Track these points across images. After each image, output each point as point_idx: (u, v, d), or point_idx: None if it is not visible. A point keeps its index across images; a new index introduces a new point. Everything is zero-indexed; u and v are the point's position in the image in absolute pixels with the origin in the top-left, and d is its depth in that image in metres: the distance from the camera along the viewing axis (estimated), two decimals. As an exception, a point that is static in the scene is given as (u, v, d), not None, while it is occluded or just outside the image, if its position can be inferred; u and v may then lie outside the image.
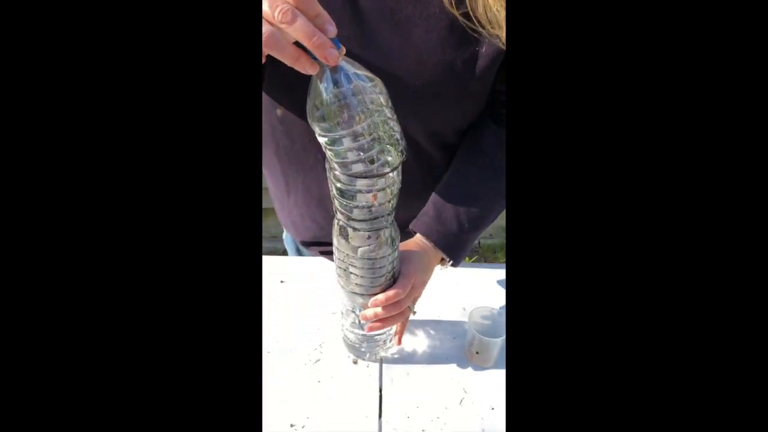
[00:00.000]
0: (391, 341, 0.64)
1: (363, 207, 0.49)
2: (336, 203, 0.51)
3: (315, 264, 0.78)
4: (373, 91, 0.45)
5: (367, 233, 0.52)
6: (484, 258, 1.54)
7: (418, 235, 0.63)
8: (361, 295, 0.56)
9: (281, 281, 0.75)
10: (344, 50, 0.42)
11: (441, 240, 0.62)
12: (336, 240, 0.54)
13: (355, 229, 0.52)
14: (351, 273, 0.55)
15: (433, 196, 0.63)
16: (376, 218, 0.51)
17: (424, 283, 0.61)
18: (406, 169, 0.49)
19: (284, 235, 0.87)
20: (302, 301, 0.72)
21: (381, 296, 0.56)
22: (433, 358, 0.66)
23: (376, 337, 0.62)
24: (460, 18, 0.53)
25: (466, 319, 0.69)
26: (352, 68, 0.44)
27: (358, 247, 0.52)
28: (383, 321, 0.58)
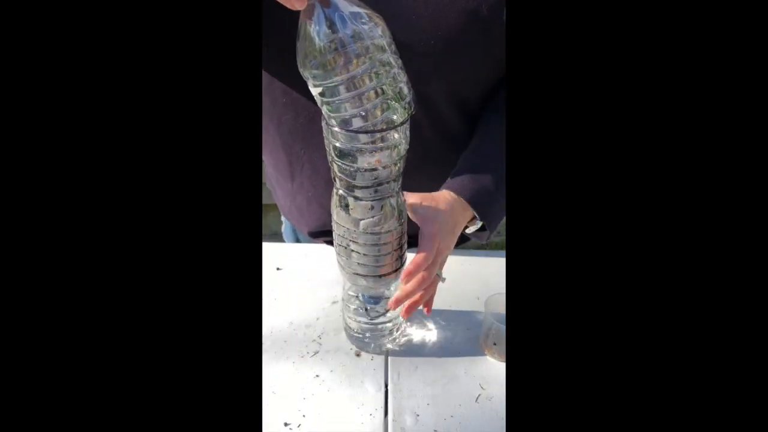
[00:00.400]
0: (398, 330, 0.58)
1: (365, 170, 0.43)
2: (335, 168, 0.44)
3: (314, 250, 0.72)
4: (373, 33, 0.38)
5: (370, 203, 0.45)
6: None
7: (446, 192, 0.55)
8: (364, 276, 0.50)
9: (277, 268, 0.69)
10: None
11: (475, 196, 0.54)
12: (335, 212, 0.48)
13: (356, 198, 0.45)
14: (352, 251, 0.49)
15: (466, 154, 0.57)
16: (380, 185, 0.44)
17: (449, 248, 0.53)
18: (423, 140, 0.43)
19: (283, 228, 0.81)
20: (300, 289, 0.66)
21: (409, 265, 0.50)
22: (445, 350, 0.59)
23: (381, 325, 0.55)
24: None
25: (481, 309, 0.63)
26: (348, 5, 0.38)
27: (360, 219, 0.46)
28: (415, 299, 0.52)
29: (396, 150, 0.42)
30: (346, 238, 0.48)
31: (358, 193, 0.45)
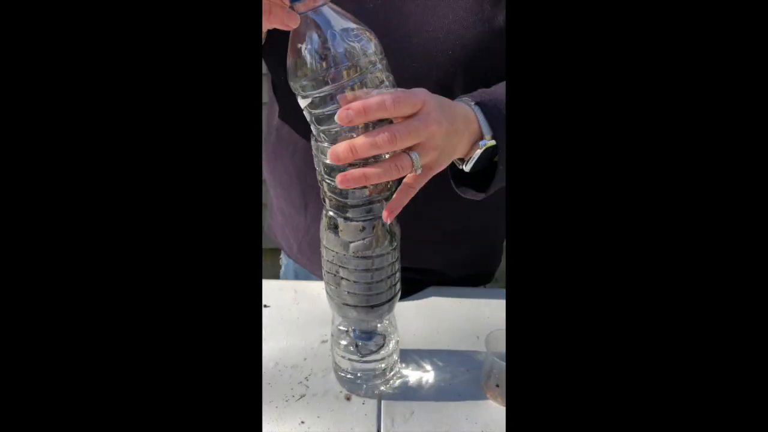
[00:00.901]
0: (392, 370, 0.53)
1: (357, 188, 0.40)
2: (324, 187, 0.42)
3: (304, 287, 0.68)
4: (366, 49, 0.37)
5: (361, 224, 0.42)
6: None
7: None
8: (355, 307, 0.46)
9: (265, 305, 0.65)
10: None
11: (485, 96, 0.45)
12: (324, 236, 0.45)
13: (347, 219, 0.42)
14: (342, 279, 0.45)
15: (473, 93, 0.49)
16: (372, 203, 0.42)
17: (438, 123, 0.39)
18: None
19: (282, 272, 0.78)
20: (288, 327, 0.61)
21: (357, 103, 0.36)
22: (443, 393, 0.54)
23: (373, 364, 0.51)
24: None
25: (480, 349, 0.58)
26: (340, 21, 0.37)
27: (350, 242, 0.43)
28: (365, 167, 0.38)
29: None
30: (336, 264, 0.45)
31: (349, 213, 0.42)
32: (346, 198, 0.41)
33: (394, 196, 0.41)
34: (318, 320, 0.62)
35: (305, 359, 0.57)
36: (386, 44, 0.40)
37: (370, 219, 0.42)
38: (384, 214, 0.41)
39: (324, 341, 0.59)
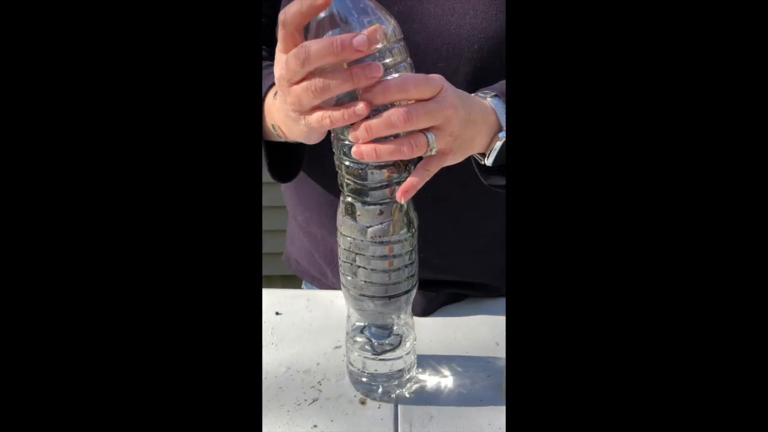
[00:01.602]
0: (409, 372, 0.50)
1: (375, 168, 0.40)
2: (343, 169, 0.41)
3: (317, 296, 0.66)
4: (385, 30, 0.38)
5: (379, 208, 0.41)
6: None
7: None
8: (372, 297, 0.44)
9: (277, 313, 0.63)
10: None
11: (502, 88, 0.45)
12: (341, 222, 0.44)
13: (364, 203, 0.42)
14: (359, 267, 0.44)
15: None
16: (389, 186, 0.41)
17: (455, 107, 0.39)
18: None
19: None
20: (300, 334, 0.59)
21: (378, 84, 0.36)
22: (464, 398, 0.51)
23: (389, 361, 0.48)
24: None
25: (501, 355, 0.56)
26: (358, 1, 0.37)
27: (368, 226, 0.42)
28: (378, 142, 0.37)
29: None
30: (353, 252, 0.43)
31: (367, 197, 0.41)
32: (365, 180, 0.41)
33: (408, 177, 0.40)
34: (331, 326, 0.60)
35: (318, 364, 0.55)
36: (410, 49, 0.40)
37: (388, 203, 0.41)
38: (398, 194, 0.40)
39: (337, 347, 0.57)
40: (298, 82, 0.37)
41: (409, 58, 0.40)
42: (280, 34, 0.37)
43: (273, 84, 0.47)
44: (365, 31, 0.36)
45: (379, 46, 0.37)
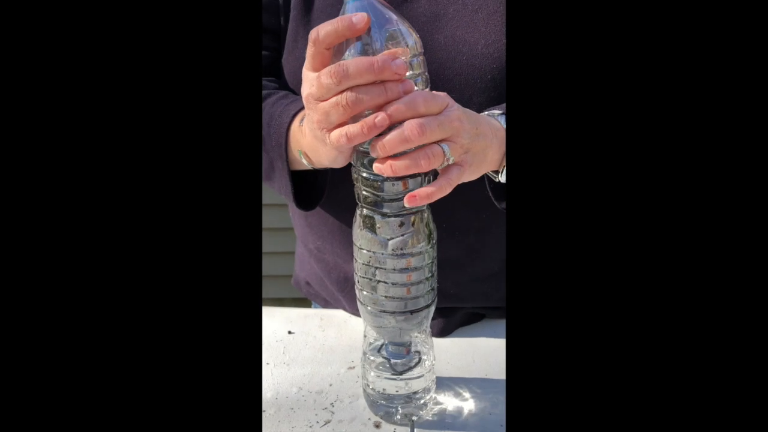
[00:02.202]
0: (428, 393, 0.48)
1: (394, 179, 0.39)
2: (360, 181, 0.41)
3: (330, 315, 0.64)
4: (408, 41, 0.38)
5: (400, 219, 0.40)
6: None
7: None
8: (393, 313, 0.43)
9: (289, 332, 0.61)
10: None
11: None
12: (358, 236, 0.42)
13: (384, 216, 0.40)
14: (379, 281, 0.42)
15: None
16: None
17: (460, 120, 0.39)
18: (461, 187, 0.39)
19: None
20: (313, 353, 0.57)
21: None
22: (486, 423, 0.49)
23: (409, 382, 0.46)
24: None
25: (523, 378, 0.54)
26: (383, 12, 0.38)
27: (389, 239, 0.41)
28: (399, 156, 0.37)
29: None
30: (372, 266, 0.42)
31: (385, 208, 0.40)
32: (383, 192, 0.39)
33: (427, 186, 0.39)
34: (345, 347, 0.58)
35: (331, 385, 0.53)
36: None
37: (408, 213, 0.40)
38: (408, 197, 0.38)
39: (351, 367, 0.55)
40: (326, 99, 0.37)
41: (426, 72, 0.40)
42: (310, 51, 0.38)
43: (296, 112, 0.48)
44: (397, 51, 0.36)
45: (403, 59, 0.36)
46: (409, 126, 0.37)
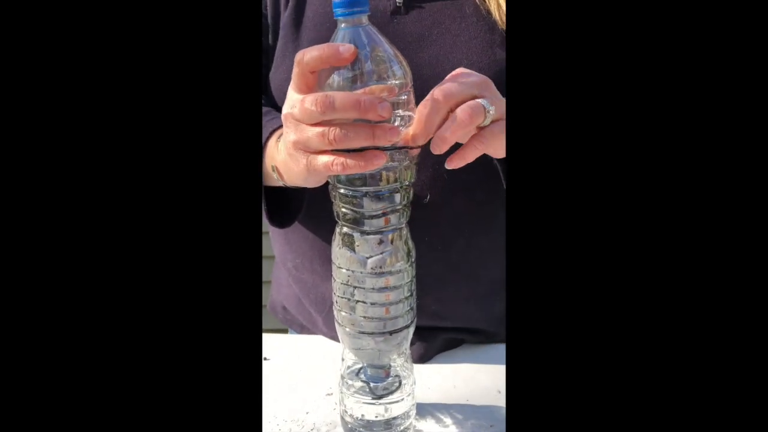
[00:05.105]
0: (409, 419, 0.47)
1: (372, 194, 0.39)
2: (338, 198, 0.40)
3: (306, 341, 0.63)
4: (395, 73, 0.39)
5: (378, 237, 0.40)
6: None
7: None
8: (371, 335, 0.42)
9: (265, 358, 0.59)
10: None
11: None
12: (337, 255, 0.42)
13: (363, 233, 0.40)
14: (357, 301, 0.42)
15: None
16: (387, 213, 0.40)
17: (488, 86, 0.41)
18: (445, 200, 0.39)
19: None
20: (289, 380, 0.56)
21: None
22: (466, 449, 0.47)
23: (389, 405, 0.45)
24: (498, 19, 0.52)
25: (502, 403, 0.53)
26: (375, 39, 0.38)
27: (368, 257, 0.40)
28: (450, 125, 0.38)
29: (403, 168, 0.39)
30: (351, 286, 0.41)
31: (365, 226, 0.40)
32: (362, 208, 0.39)
33: (460, 148, 0.39)
34: (322, 373, 0.56)
35: (307, 413, 0.51)
36: None
37: (387, 231, 0.40)
38: (437, 143, 0.38)
39: (329, 394, 0.53)
40: (307, 124, 0.37)
41: (412, 104, 0.40)
42: (295, 71, 0.38)
43: (275, 129, 0.47)
44: (384, 88, 0.37)
45: (389, 100, 0.37)
46: (430, 101, 0.38)
